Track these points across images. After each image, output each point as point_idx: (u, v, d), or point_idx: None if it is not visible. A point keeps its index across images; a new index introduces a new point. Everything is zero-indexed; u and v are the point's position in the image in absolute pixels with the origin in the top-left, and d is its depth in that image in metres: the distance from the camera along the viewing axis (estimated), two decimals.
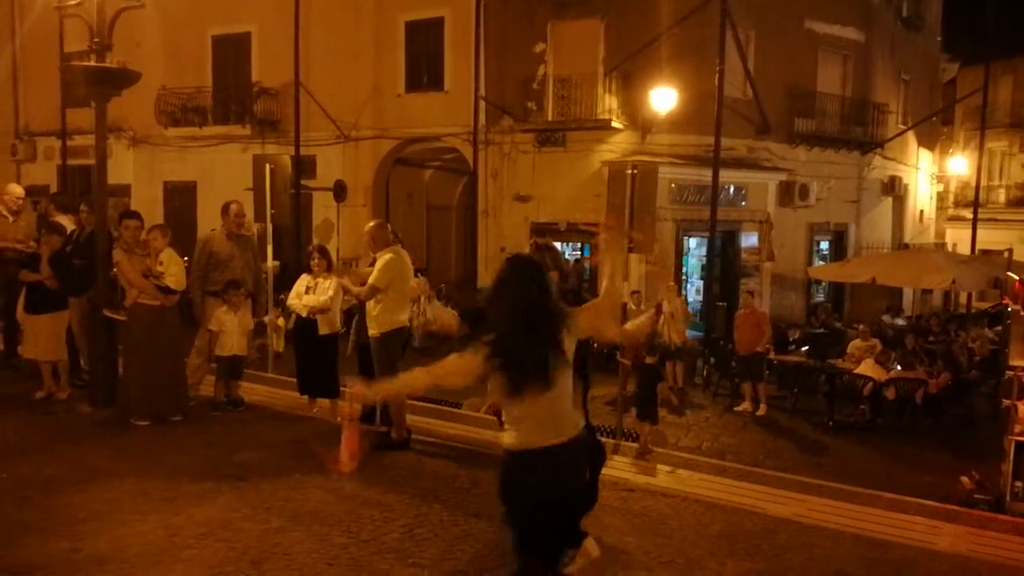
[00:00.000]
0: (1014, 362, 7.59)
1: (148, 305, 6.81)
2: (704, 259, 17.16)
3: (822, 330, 15.66)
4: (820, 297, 19.43)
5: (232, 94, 21.00)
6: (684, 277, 17.84)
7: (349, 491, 5.40)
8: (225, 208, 7.87)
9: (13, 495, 5.17)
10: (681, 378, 13.12)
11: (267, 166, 10.92)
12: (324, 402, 7.62)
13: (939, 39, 25.55)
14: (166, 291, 6.84)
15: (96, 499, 5.16)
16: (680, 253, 17.82)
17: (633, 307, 14.10)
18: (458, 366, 3.22)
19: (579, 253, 20.04)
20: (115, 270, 7.00)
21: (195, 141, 20.98)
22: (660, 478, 6.45)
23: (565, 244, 20.37)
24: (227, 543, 4.54)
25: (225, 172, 18.70)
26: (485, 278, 18.37)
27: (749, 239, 18.12)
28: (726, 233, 17.58)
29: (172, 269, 6.84)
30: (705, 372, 13.70)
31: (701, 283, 17.98)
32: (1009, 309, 8.08)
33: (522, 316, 3.19)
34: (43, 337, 7.60)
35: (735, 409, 11.86)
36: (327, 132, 19.26)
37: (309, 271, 7.63)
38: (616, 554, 4.50)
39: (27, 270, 7.68)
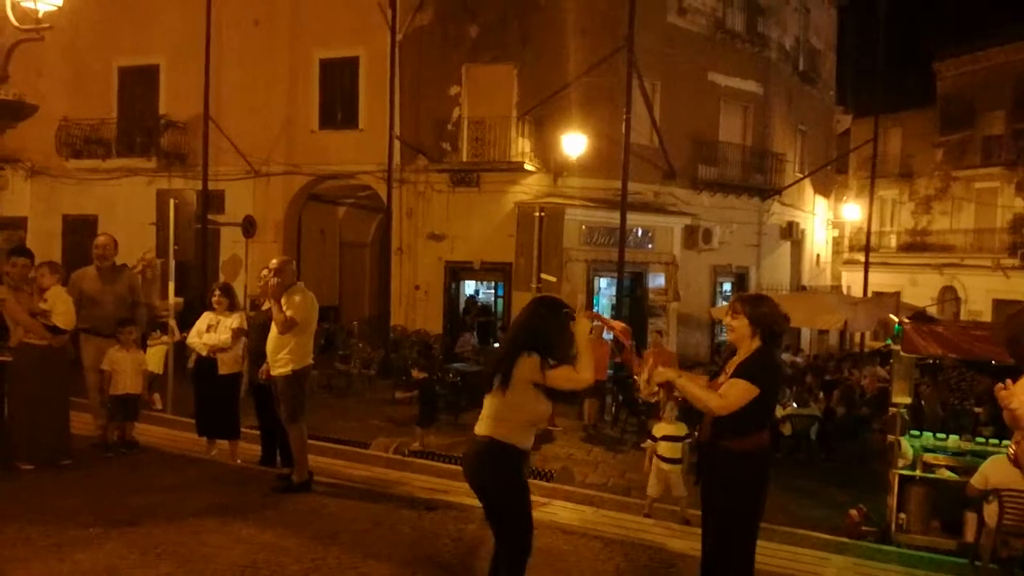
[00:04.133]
0: (897, 399, 8.02)
1: (35, 345, 6.53)
2: (614, 299, 17.56)
3: None
4: (723, 337, 20.07)
5: (138, 126, 20.53)
6: None
7: (245, 535, 5.27)
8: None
9: None
10: (594, 415, 13.31)
11: (171, 201, 10.69)
12: (224, 444, 7.43)
13: (832, 92, 27.12)
14: (54, 330, 6.58)
15: None
16: (591, 293, 18.18)
17: None
18: None
19: (492, 292, 20.23)
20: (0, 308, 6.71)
21: (97, 174, 20.39)
22: (562, 515, 6.52)
23: (480, 283, 20.58)
24: None
25: (128, 206, 18.21)
26: (398, 316, 18.30)
27: (656, 280, 18.66)
28: (634, 274, 18.07)
29: (59, 307, 6.59)
30: (614, 409, 13.91)
31: None
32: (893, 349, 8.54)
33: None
34: None
35: (642, 446, 12.05)
36: (237, 167, 18.99)
37: (212, 309, 7.49)
38: None
39: None
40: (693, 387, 3.88)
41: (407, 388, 12.19)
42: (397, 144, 17.63)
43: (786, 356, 18.42)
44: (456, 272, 18.75)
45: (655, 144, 17.75)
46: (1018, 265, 25.04)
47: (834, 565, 6.00)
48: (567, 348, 3.83)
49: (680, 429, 7.36)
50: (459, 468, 8.16)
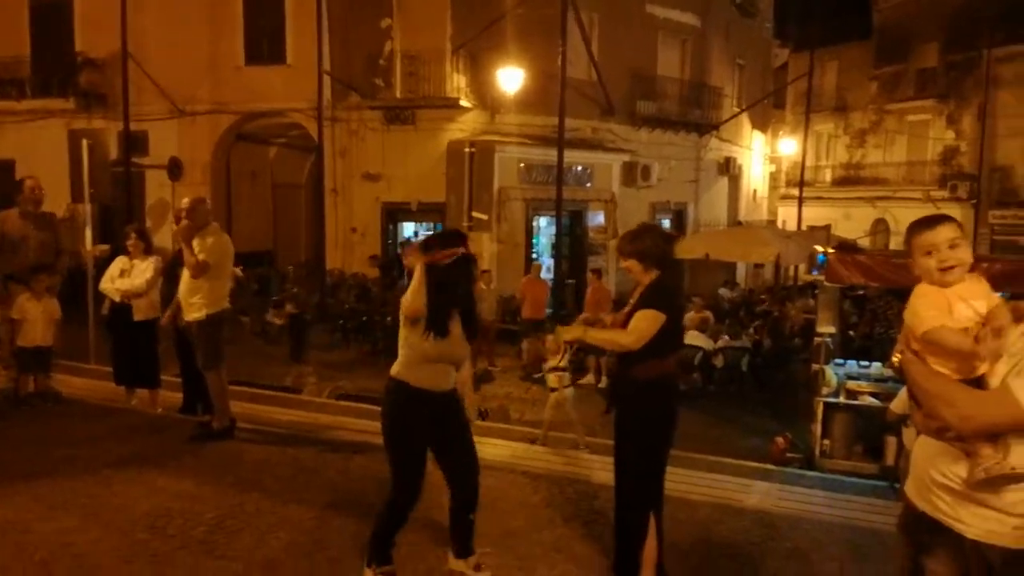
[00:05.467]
0: (821, 329, 8.17)
1: None
2: (554, 238, 17.50)
3: None
4: None
5: (54, 65, 19.44)
6: (535, 255, 18.13)
7: (160, 484, 5.13)
8: (19, 184, 7.27)
9: None
10: (534, 354, 13.36)
11: (84, 142, 10.20)
12: (144, 392, 7.20)
13: (770, 26, 27.05)
14: None
15: None
16: (530, 232, 18.08)
17: (483, 287, 14.22)
18: None
19: (431, 233, 19.98)
20: None
21: (12, 116, 19.36)
22: (493, 453, 6.50)
23: (418, 224, 20.29)
24: (16, 546, 4.20)
25: (47, 149, 17.25)
26: (335, 259, 17.97)
27: (596, 218, 18.63)
28: (574, 212, 18.00)
29: None
30: None
31: (552, 261, 18.35)
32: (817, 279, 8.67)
33: None
34: None
35: (579, 382, 12.17)
36: (160, 106, 18.20)
37: (127, 253, 7.17)
38: (436, 531, 4.50)
39: None
40: (602, 335, 3.89)
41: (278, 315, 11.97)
42: (327, 80, 17.05)
43: (723, 291, 18.71)
44: (393, 213, 18.42)
45: (593, 79, 17.51)
46: (948, 197, 25.69)
47: (757, 492, 6.11)
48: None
49: (556, 362, 7.59)
50: None
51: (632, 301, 3.88)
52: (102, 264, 10.19)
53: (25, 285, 7.02)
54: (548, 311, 15.42)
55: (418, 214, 18.56)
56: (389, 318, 13.68)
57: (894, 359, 2.43)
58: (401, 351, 3.80)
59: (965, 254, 2.34)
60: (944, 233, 2.34)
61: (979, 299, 2.28)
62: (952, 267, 2.32)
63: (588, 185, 18.31)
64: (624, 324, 3.82)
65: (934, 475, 2.29)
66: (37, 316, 6.97)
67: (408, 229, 20.18)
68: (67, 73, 19.17)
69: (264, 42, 18.26)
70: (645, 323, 3.69)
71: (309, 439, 6.52)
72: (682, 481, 5.98)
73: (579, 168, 17.94)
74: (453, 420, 3.91)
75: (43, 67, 19.45)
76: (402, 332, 3.80)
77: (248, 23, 18.32)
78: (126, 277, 6.93)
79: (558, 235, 16.42)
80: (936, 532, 2.29)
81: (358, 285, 17.17)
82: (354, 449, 6.19)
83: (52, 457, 5.64)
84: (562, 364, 7.70)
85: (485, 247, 15.91)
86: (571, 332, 3.91)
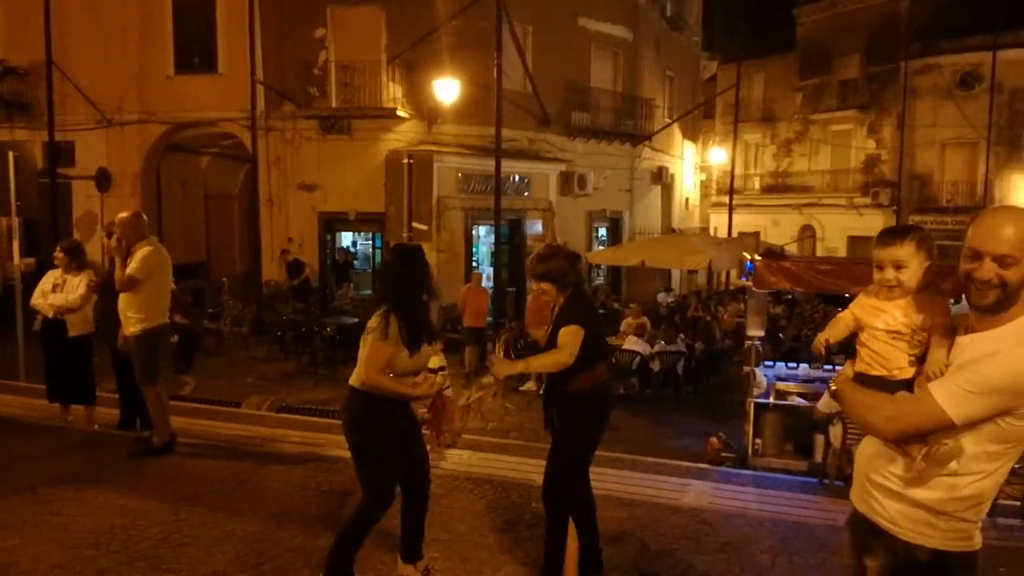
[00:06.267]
0: (751, 333, 8.48)
1: None
2: (493, 246, 17.64)
3: (602, 310, 16.64)
4: (600, 280, 20.62)
5: None
6: (475, 264, 18.25)
7: (101, 501, 5.07)
8: None
9: None
10: (474, 362, 13.46)
11: (10, 154, 9.96)
12: (79, 409, 7.06)
13: (698, 39, 27.78)
14: None
15: None
16: (470, 241, 18.19)
17: None
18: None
19: (370, 243, 19.96)
20: None
21: None
22: (440, 461, 6.60)
23: (357, 234, 20.22)
24: None
25: None
26: (271, 271, 17.77)
27: (534, 226, 18.85)
28: (512, 221, 18.19)
29: None
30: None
31: (491, 269, 18.52)
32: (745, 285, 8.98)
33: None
34: None
35: (520, 388, 12.33)
36: (88, 116, 17.73)
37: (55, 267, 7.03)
38: (383, 538, 4.57)
39: None
40: (539, 360, 4.00)
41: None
42: (260, 89, 16.88)
43: (661, 297, 19.15)
44: (331, 223, 18.32)
45: (528, 90, 17.73)
46: (870, 203, 26.74)
47: (693, 491, 6.33)
48: (428, 290, 3.99)
49: (438, 362, 7.74)
50: (335, 422, 8.14)
51: (551, 320, 4.04)
52: (29, 278, 9.97)
53: None
54: (489, 319, 15.55)
55: (356, 224, 18.49)
56: (329, 328, 13.64)
57: (831, 386, 2.56)
58: (363, 361, 3.83)
59: (909, 278, 2.38)
60: (894, 253, 2.39)
61: (921, 314, 2.37)
62: (891, 287, 2.41)
63: (526, 194, 18.53)
64: (550, 343, 3.95)
65: (873, 476, 2.40)
66: None
67: (346, 239, 20.10)
68: None
69: (195, 51, 17.97)
70: (569, 338, 3.86)
71: (251, 452, 6.50)
72: (622, 482, 6.18)
73: (517, 178, 18.15)
74: (411, 426, 4.04)
75: None
76: (366, 345, 3.80)
77: (178, 31, 18.02)
78: (59, 292, 6.80)
79: (497, 244, 16.57)
80: (874, 533, 2.40)
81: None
82: (295, 460, 6.22)
83: None
84: (439, 365, 7.84)
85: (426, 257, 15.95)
86: (512, 368, 3.98)
